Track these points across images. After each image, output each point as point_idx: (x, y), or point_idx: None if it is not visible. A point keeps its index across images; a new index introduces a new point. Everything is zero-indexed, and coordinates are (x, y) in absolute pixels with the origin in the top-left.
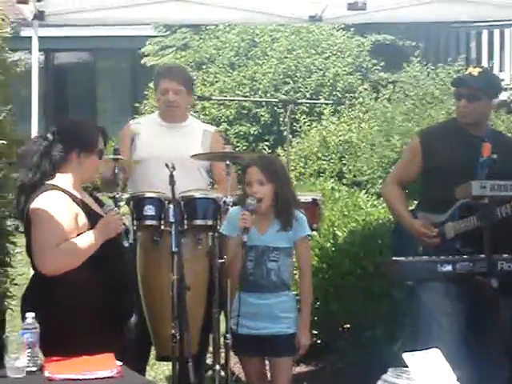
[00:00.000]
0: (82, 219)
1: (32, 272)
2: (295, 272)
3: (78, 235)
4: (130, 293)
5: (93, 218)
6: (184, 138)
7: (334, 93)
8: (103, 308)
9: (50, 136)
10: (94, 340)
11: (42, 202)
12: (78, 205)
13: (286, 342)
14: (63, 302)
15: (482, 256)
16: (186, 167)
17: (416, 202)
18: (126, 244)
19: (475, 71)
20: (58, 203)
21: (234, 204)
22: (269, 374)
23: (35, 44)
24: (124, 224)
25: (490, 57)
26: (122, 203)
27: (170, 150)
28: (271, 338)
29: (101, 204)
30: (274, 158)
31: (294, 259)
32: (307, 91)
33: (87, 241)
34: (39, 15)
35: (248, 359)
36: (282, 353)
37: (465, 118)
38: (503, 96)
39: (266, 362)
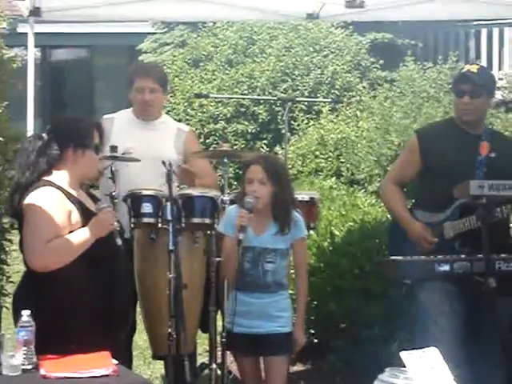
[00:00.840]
0: (75, 216)
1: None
2: (291, 271)
3: (71, 232)
4: (123, 291)
5: (86, 216)
6: (157, 135)
7: (333, 91)
8: (95, 306)
9: (44, 135)
10: (85, 339)
11: (35, 197)
12: (72, 202)
13: (280, 341)
14: (54, 299)
15: (480, 256)
16: (158, 164)
17: (413, 201)
18: (119, 242)
19: (474, 68)
20: (50, 199)
21: (233, 202)
22: (263, 374)
23: (31, 40)
24: (118, 221)
25: (489, 55)
26: (117, 200)
27: (141, 147)
28: (266, 337)
29: (96, 201)
30: (277, 158)
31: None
32: (305, 89)
33: (79, 238)
34: (35, 11)
35: (243, 358)
36: (276, 352)
37: (467, 115)
38: (497, 95)
39: (261, 361)
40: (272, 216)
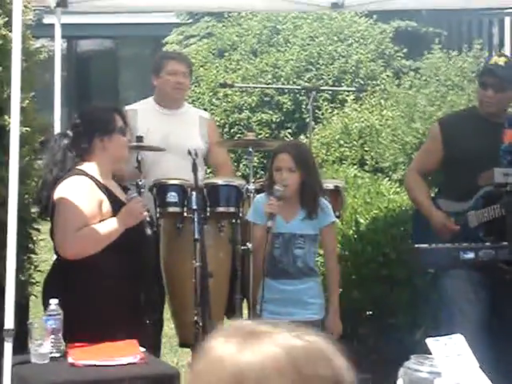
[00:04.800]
0: (106, 206)
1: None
2: (318, 259)
3: (101, 221)
4: (151, 281)
5: (116, 205)
6: (182, 125)
7: (357, 80)
8: (123, 295)
9: (69, 132)
10: (113, 326)
11: (67, 186)
12: (103, 191)
13: (312, 328)
14: (84, 287)
15: (505, 243)
16: (185, 155)
17: (436, 190)
18: (148, 232)
19: (501, 61)
20: (82, 188)
21: (258, 191)
22: None
23: (58, 31)
24: (148, 211)
25: None
26: (143, 190)
27: (167, 138)
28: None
29: (126, 191)
30: (304, 145)
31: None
32: (329, 78)
33: (109, 227)
34: (62, 2)
35: None
36: None
37: (490, 107)
38: None
39: None
40: (300, 202)
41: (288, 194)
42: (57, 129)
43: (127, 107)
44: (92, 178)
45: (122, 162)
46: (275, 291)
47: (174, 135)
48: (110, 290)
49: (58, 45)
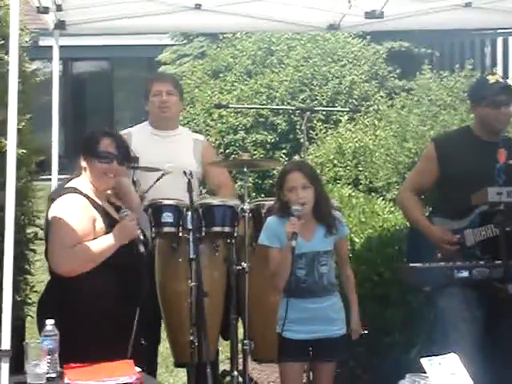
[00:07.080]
0: (99, 223)
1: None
2: None
3: (95, 239)
4: (146, 299)
5: (110, 223)
6: (175, 147)
7: (351, 100)
8: (117, 314)
9: None
10: (108, 346)
11: (61, 204)
12: (96, 209)
13: (337, 345)
14: (77, 307)
15: (499, 262)
16: (179, 177)
17: (430, 209)
18: (141, 250)
19: (498, 78)
20: (75, 206)
21: (253, 211)
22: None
23: (56, 53)
24: (142, 231)
25: (505, 64)
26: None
27: (162, 160)
28: (323, 342)
29: (118, 210)
30: (307, 162)
31: None
32: (323, 99)
33: (102, 244)
34: (60, 25)
35: (292, 365)
36: (331, 356)
37: (504, 125)
38: None
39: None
40: (316, 219)
41: (306, 212)
42: (54, 150)
43: (122, 132)
44: (86, 195)
45: (99, 189)
46: (300, 310)
47: (168, 157)
48: (104, 309)
49: (56, 66)
